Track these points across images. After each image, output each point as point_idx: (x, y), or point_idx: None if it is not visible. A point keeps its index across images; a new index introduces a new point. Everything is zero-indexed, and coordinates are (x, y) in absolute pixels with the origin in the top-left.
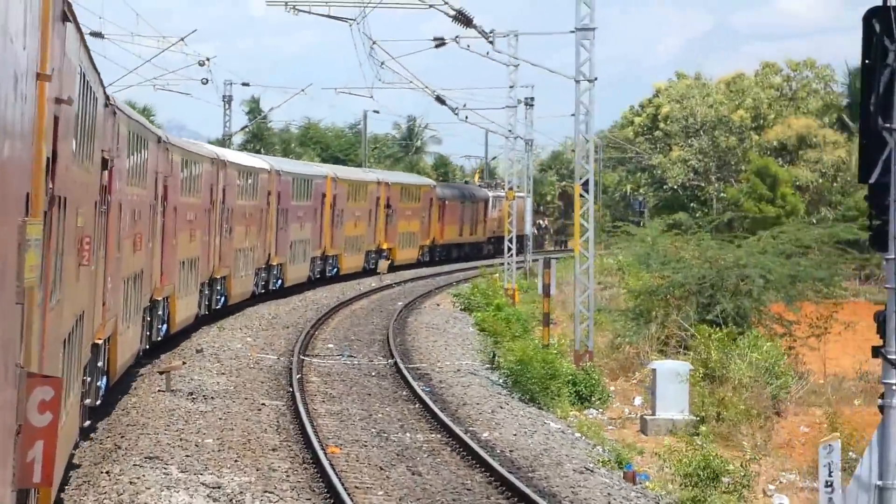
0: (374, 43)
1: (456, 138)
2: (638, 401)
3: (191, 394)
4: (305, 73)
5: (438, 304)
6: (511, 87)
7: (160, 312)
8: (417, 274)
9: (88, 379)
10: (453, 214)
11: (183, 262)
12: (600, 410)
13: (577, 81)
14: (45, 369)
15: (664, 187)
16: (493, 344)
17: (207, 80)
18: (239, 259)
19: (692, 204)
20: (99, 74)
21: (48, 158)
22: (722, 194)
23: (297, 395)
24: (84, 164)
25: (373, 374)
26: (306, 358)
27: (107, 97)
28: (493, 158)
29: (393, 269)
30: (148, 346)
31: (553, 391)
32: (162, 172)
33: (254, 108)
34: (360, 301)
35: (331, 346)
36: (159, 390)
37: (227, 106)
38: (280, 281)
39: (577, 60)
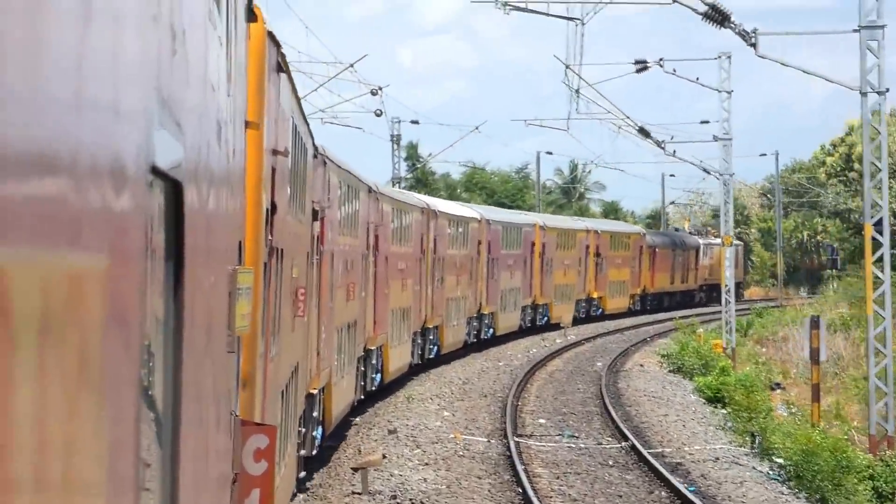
0: (567, 67)
1: (622, 184)
2: None
3: (393, 497)
4: (477, 109)
5: (642, 366)
6: (726, 118)
7: (374, 362)
8: (597, 330)
9: (303, 430)
10: (664, 262)
11: (395, 312)
12: None
13: (864, 94)
14: (266, 419)
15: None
16: (744, 420)
17: (381, 112)
18: (451, 308)
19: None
20: (308, 124)
21: (267, 210)
22: None
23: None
24: (297, 215)
25: (610, 462)
26: (520, 440)
27: (315, 147)
28: (672, 203)
29: (603, 317)
30: (363, 396)
31: (847, 489)
32: (373, 222)
33: (412, 154)
34: (554, 361)
35: (542, 420)
36: (354, 493)
37: (395, 145)
38: (491, 330)
39: (862, 66)
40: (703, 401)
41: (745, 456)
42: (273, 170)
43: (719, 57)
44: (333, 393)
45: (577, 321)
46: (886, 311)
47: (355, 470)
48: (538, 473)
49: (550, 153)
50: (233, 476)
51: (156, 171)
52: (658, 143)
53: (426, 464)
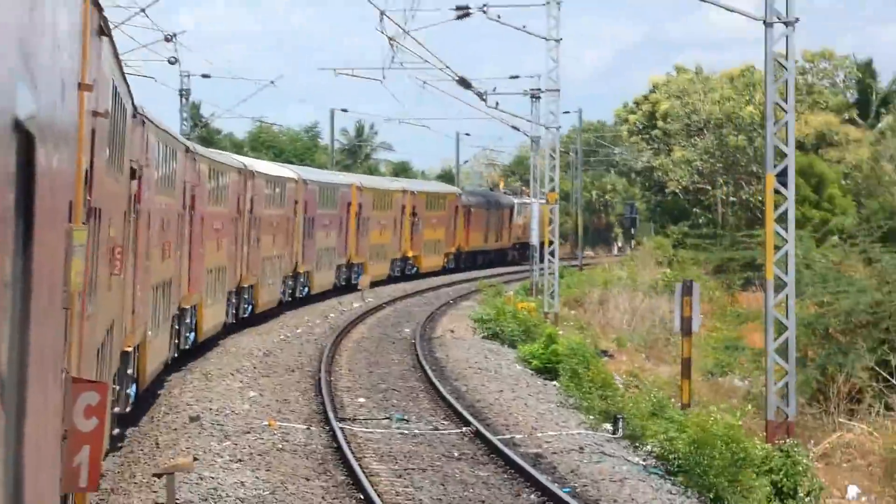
0: (382, 13)
1: (420, 142)
2: (853, 491)
3: None
4: (299, 52)
5: (453, 331)
6: (553, 67)
7: (188, 321)
8: (399, 292)
9: (118, 387)
10: (479, 221)
11: (210, 271)
12: None
13: (769, 24)
14: (82, 376)
15: (665, 192)
16: (591, 398)
17: (176, 60)
18: (266, 267)
19: (695, 209)
20: (128, 85)
21: (86, 170)
22: (732, 198)
23: None
24: (115, 175)
25: (456, 454)
26: (344, 425)
27: (135, 107)
28: (465, 162)
29: (418, 275)
30: (176, 354)
31: (744, 485)
32: (190, 182)
33: (194, 114)
34: (359, 328)
35: (361, 399)
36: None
37: (184, 100)
38: (307, 288)
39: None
40: (531, 372)
41: (609, 443)
42: (93, 130)
43: (548, 3)
44: (148, 351)
45: (392, 279)
46: (790, 277)
47: (158, 476)
48: (375, 471)
49: (346, 110)
50: (63, 433)
51: (17, 123)
52: (480, 95)
53: (240, 461)
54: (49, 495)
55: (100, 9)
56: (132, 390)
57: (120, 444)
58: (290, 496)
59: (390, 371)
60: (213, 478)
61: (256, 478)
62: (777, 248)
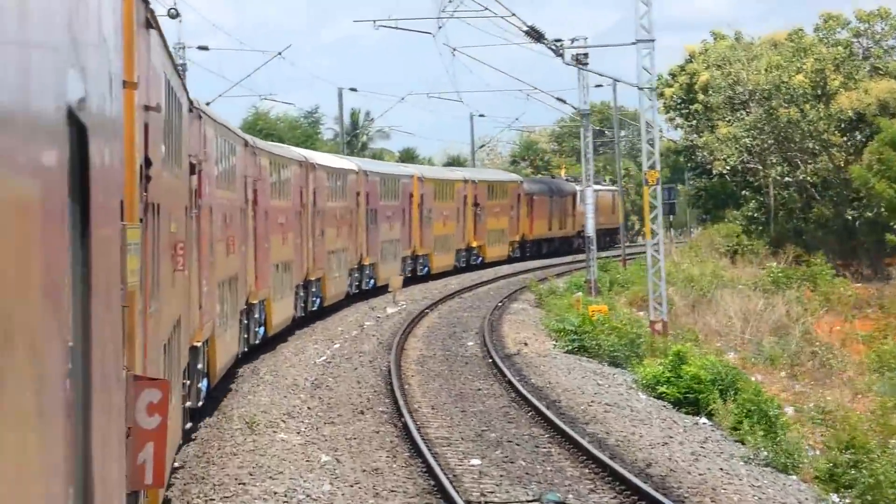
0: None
1: (428, 125)
2: None
3: None
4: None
5: (526, 344)
6: (645, 12)
7: (257, 315)
8: (430, 292)
9: (188, 382)
10: (541, 209)
11: (277, 265)
12: None
13: None
14: (147, 373)
15: (711, 174)
16: (792, 450)
17: (177, 13)
18: (332, 260)
19: (745, 192)
20: (182, 79)
21: (141, 166)
22: (787, 178)
23: None
24: (173, 170)
25: None
26: None
27: (190, 101)
28: (482, 147)
29: (483, 265)
30: (246, 349)
31: None
32: (251, 176)
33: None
34: (409, 348)
35: (475, 462)
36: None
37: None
38: (373, 280)
39: None
40: (665, 405)
41: None
42: (146, 125)
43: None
44: (217, 345)
45: (458, 270)
46: None
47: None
48: None
49: (355, 89)
50: (126, 431)
51: (70, 113)
52: (555, 49)
53: None
54: (116, 493)
55: (145, 1)
56: (203, 385)
57: (193, 437)
58: None
59: (486, 408)
60: None
61: None
62: None
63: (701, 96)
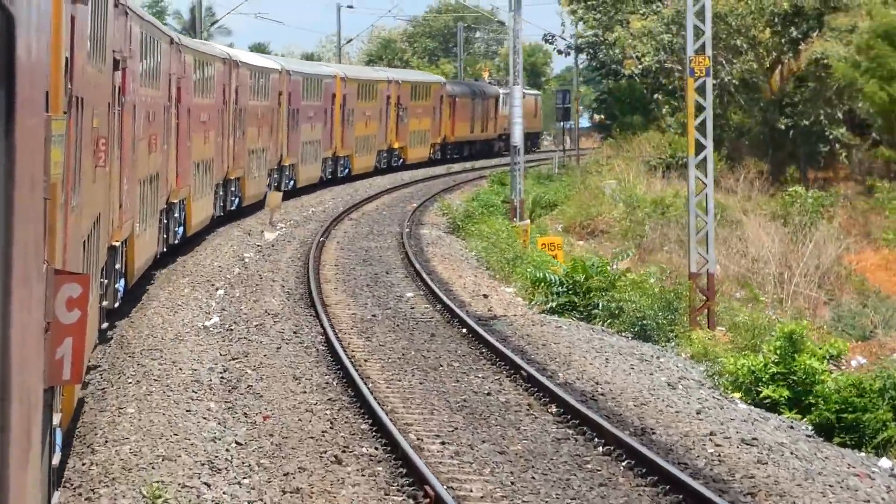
0: None
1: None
2: None
3: None
4: None
5: (487, 297)
6: None
7: (176, 215)
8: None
9: (106, 281)
10: (464, 111)
11: (198, 164)
12: None
13: None
14: (68, 269)
15: (618, 75)
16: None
17: None
18: (252, 160)
19: (657, 96)
20: None
21: (66, 58)
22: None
23: None
24: (98, 65)
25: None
26: None
27: None
28: (349, 41)
29: (405, 167)
30: (165, 249)
31: None
32: (175, 73)
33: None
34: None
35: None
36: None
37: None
38: (292, 181)
39: None
40: (807, 434)
41: None
42: (73, 18)
43: None
44: (136, 245)
45: (378, 171)
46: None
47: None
48: None
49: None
50: (45, 325)
51: None
52: None
53: None
54: (34, 388)
55: None
56: (121, 285)
57: (109, 338)
58: None
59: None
60: None
61: None
62: None
63: None
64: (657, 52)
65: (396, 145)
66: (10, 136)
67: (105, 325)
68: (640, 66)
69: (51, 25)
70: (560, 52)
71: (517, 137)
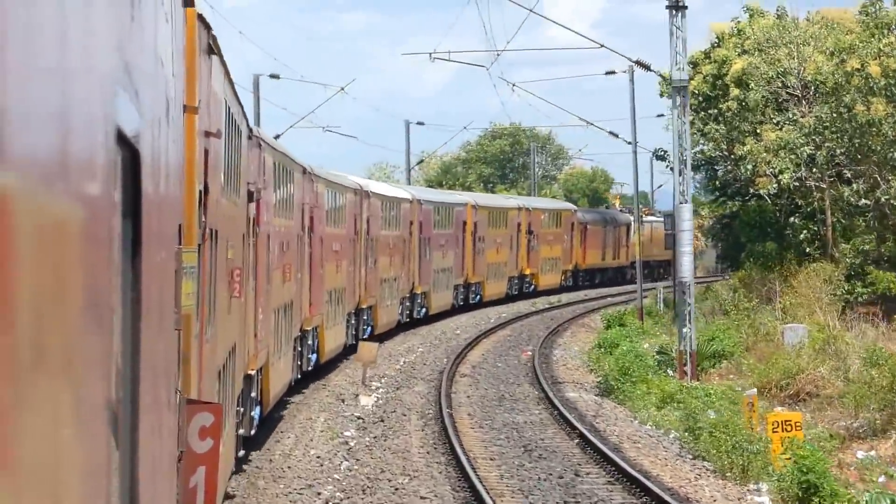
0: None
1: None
2: None
3: None
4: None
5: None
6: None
7: (310, 342)
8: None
9: (242, 409)
10: (595, 239)
11: (330, 293)
12: None
13: None
14: (202, 398)
15: (746, 195)
16: None
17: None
18: (384, 288)
19: (793, 219)
20: (242, 106)
21: (200, 192)
22: (864, 200)
23: None
24: (231, 197)
25: None
26: None
27: (250, 129)
28: (420, 162)
29: (536, 293)
30: (299, 376)
31: None
32: (308, 203)
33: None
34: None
35: None
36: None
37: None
38: (424, 309)
39: None
40: None
41: None
42: (206, 151)
43: None
44: (271, 373)
45: (510, 298)
46: None
47: None
48: None
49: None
50: (178, 454)
51: (120, 136)
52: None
53: None
54: None
55: (208, 27)
56: (256, 413)
57: (244, 466)
58: None
59: None
60: None
61: None
62: None
63: (735, 91)
64: (797, 168)
65: (528, 271)
66: (136, 268)
67: (242, 452)
68: (775, 185)
69: (183, 160)
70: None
71: (685, 270)
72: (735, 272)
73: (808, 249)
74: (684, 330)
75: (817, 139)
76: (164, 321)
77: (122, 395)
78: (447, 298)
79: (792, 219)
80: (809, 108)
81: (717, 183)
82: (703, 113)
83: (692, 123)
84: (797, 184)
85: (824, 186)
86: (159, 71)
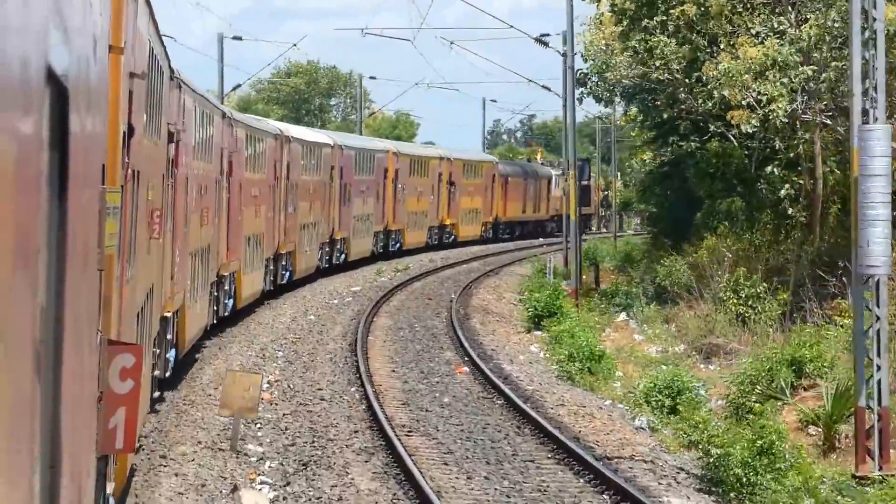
0: None
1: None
2: None
3: None
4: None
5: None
6: None
7: (227, 288)
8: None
9: (158, 351)
10: (516, 191)
11: (249, 238)
12: None
13: None
14: (122, 339)
15: (704, 134)
16: None
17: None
18: (304, 234)
19: (770, 169)
20: (164, 47)
21: (124, 132)
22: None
23: None
24: (153, 138)
25: None
26: None
27: (172, 70)
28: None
29: (455, 244)
30: (215, 321)
31: None
32: (227, 147)
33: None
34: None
35: None
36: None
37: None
38: (344, 255)
39: None
40: None
41: None
42: (130, 92)
43: None
44: (187, 316)
45: (429, 247)
46: None
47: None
48: None
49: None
50: (98, 394)
51: (50, 73)
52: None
53: None
54: (85, 457)
55: None
56: (171, 355)
57: (158, 408)
58: None
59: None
60: None
61: None
62: None
63: None
64: (792, 97)
65: (448, 221)
66: (62, 207)
67: (157, 394)
68: (756, 120)
69: (108, 100)
70: (599, 99)
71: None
72: (683, 240)
73: (790, 210)
74: (871, 374)
75: (819, 56)
76: (87, 261)
77: (45, 335)
78: (367, 245)
79: (769, 168)
80: (798, 13)
81: (660, 118)
82: (645, 21)
83: (626, 36)
84: (786, 120)
85: (828, 123)
86: (87, 10)
